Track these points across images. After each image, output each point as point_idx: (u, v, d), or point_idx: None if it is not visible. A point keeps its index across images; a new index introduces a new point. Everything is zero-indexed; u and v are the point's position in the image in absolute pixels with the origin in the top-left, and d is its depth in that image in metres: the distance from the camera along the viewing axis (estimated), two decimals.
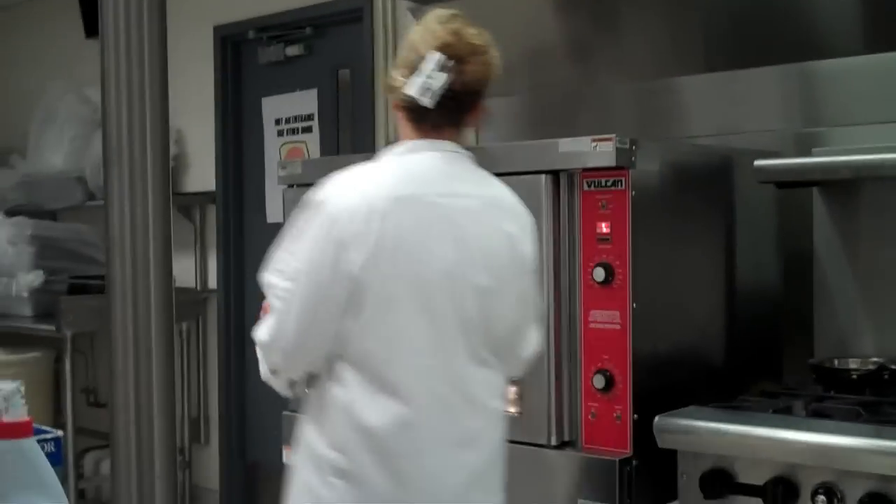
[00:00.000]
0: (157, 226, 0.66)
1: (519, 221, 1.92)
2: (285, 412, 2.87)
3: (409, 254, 1.76)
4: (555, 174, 2.33)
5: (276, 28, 4.65)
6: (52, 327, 4.56)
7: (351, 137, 4.36)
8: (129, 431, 0.65)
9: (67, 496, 1.19)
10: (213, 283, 5.00)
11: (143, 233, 0.66)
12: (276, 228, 2.96)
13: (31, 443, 1.13)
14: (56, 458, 1.26)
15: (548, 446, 2.33)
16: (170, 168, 0.70)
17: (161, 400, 0.65)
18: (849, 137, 2.78)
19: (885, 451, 1.96)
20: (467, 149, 1.94)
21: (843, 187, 2.77)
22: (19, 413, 1.11)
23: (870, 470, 1.98)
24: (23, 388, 1.08)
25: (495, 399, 1.89)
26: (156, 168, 0.67)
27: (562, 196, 2.33)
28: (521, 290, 1.92)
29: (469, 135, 2.05)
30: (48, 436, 1.29)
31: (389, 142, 4.12)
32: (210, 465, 5.05)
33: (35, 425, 1.20)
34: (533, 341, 2.00)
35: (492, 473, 1.89)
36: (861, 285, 2.76)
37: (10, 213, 5.22)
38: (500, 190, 1.94)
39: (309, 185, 2.88)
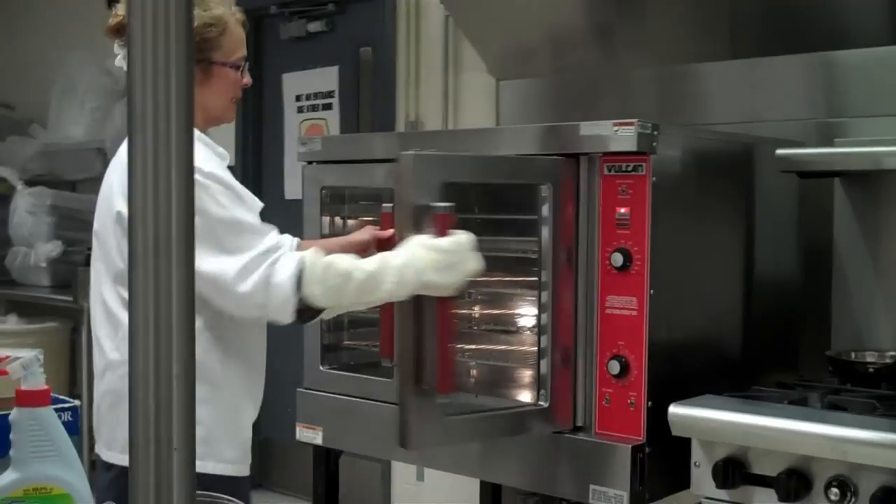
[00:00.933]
0: (180, 196, 0.66)
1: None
2: (299, 389, 2.88)
3: None
4: (575, 157, 2.32)
5: (299, 3, 4.64)
6: (70, 298, 4.59)
7: (371, 116, 4.35)
8: (147, 403, 0.65)
9: (82, 466, 1.20)
10: None
11: (165, 204, 0.65)
12: (295, 204, 2.96)
13: (48, 411, 1.14)
14: (73, 428, 1.26)
15: (561, 431, 2.33)
16: (192, 140, 0.70)
17: (181, 371, 0.65)
18: (872, 129, 2.76)
19: None
20: None
21: (865, 179, 2.75)
22: (38, 382, 1.11)
23: (884, 464, 1.97)
24: (41, 357, 1.08)
25: None
26: (180, 139, 0.67)
27: (581, 180, 2.31)
28: None
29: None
30: (66, 405, 1.29)
31: (409, 121, 4.12)
32: None
33: (52, 394, 1.20)
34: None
35: None
36: (880, 278, 2.74)
37: (30, 182, 5.24)
38: None
39: (329, 161, 2.89)
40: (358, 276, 1.99)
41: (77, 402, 1.32)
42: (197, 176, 1.90)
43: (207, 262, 1.94)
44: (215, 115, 2.26)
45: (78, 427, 1.30)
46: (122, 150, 2.14)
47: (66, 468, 1.13)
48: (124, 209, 2.03)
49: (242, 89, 2.27)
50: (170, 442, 0.64)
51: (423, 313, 2.07)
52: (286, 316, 2.01)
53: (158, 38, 0.68)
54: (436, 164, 2.16)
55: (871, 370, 2.53)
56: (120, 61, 2.15)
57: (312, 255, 2.00)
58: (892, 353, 2.60)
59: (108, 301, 2.13)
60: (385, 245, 2.19)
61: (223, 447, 2.12)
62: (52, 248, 4.85)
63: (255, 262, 1.99)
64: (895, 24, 2.80)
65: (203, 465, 1.97)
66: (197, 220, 1.79)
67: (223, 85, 2.20)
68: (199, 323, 1.99)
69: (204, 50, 2.13)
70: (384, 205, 2.45)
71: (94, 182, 5.20)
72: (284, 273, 1.97)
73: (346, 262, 2.01)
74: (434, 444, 2.26)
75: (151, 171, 0.66)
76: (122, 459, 2.06)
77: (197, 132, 2.06)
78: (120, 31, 2.17)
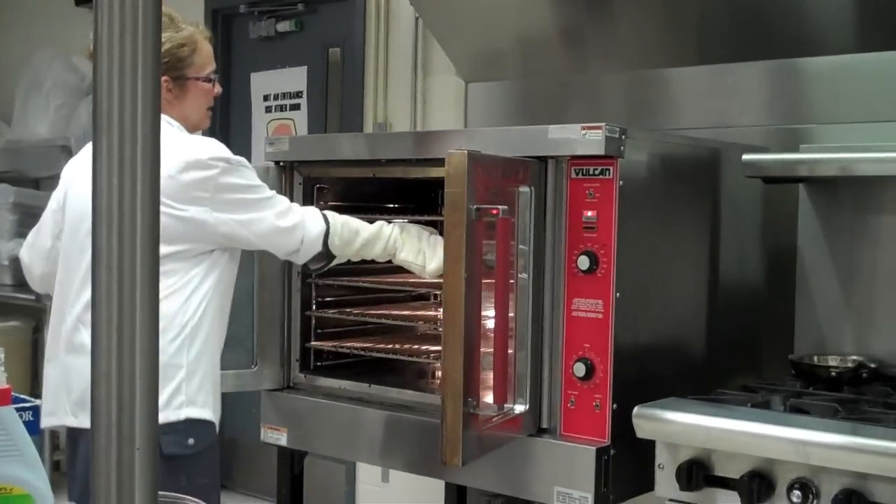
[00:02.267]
0: (146, 195, 0.65)
1: None
2: (264, 390, 2.87)
3: None
4: (543, 160, 2.32)
5: (268, 3, 4.62)
6: (32, 296, 4.54)
7: (339, 117, 4.34)
8: (110, 403, 0.64)
9: (43, 466, 1.18)
10: None
11: (130, 202, 0.65)
12: None
13: (9, 411, 1.12)
14: (33, 428, 1.25)
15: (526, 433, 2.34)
16: (159, 138, 0.69)
17: (143, 371, 0.64)
18: (837, 135, 2.79)
19: (862, 448, 1.97)
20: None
21: (829, 185, 2.77)
22: None
23: (846, 467, 1.99)
24: (2, 356, 1.07)
25: None
26: (146, 137, 0.66)
27: (549, 183, 2.32)
28: None
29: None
30: (26, 405, 1.28)
31: (378, 122, 4.11)
32: None
33: (14, 394, 1.19)
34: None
35: None
36: (843, 283, 2.77)
37: None
38: None
39: (295, 161, 2.88)
40: (363, 235, 2.49)
41: (38, 402, 1.31)
42: (226, 160, 2.35)
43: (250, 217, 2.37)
44: (194, 124, 2.54)
45: (38, 427, 1.29)
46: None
47: (26, 468, 1.12)
48: None
49: (214, 97, 2.56)
50: (132, 442, 0.64)
51: (472, 327, 2.07)
52: (306, 258, 2.48)
53: (126, 38, 0.68)
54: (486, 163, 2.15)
55: (833, 374, 2.55)
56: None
57: (330, 213, 2.50)
58: (854, 358, 2.63)
59: None
60: None
61: (211, 398, 2.44)
62: (15, 247, 4.79)
63: (291, 211, 2.44)
64: (861, 32, 2.84)
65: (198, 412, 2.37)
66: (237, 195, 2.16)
67: (198, 97, 2.50)
68: (208, 285, 2.38)
69: (179, 68, 2.42)
70: None
71: (58, 179, 5.16)
72: (314, 224, 2.44)
73: (355, 221, 2.51)
74: (476, 457, 2.19)
75: (116, 170, 0.66)
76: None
77: (194, 136, 2.51)
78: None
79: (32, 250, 2.64)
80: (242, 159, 2.42)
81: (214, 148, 2.40)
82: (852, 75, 2.81)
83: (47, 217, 2.60)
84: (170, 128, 2.43)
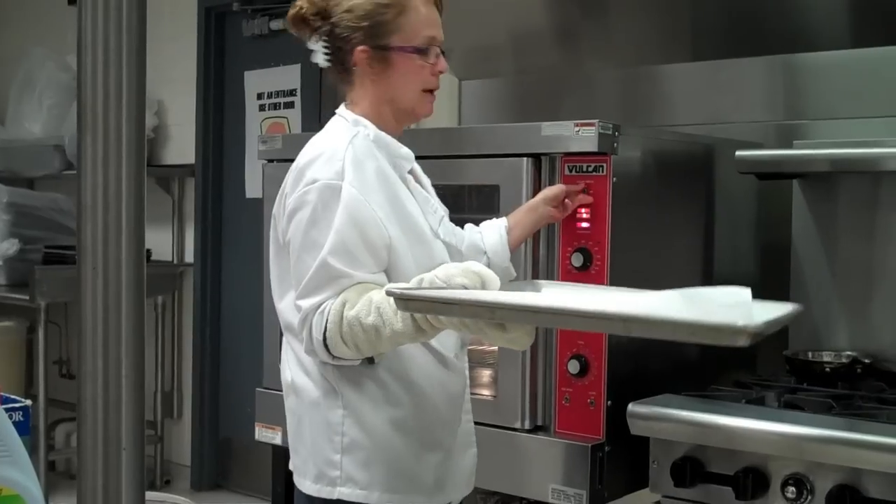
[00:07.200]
0: (131, 194, 0.64)
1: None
2: (259, 389, 2.86)
3: None
4: (536, 158, 2.32)
5: (262, 1, 4.61)
6: (26, 297, 4.53)
7: (333, 115, 4.33)
8: (96, 402, 0.64)
9: (37, 467, 1.18)
10: (189, 256, 4.97)
11: (115, 200, 0.64)
12: (255, 203, 2.93)
13: None
14: (24, 428, 1.24)
15: (521, 430, 2.33)
16: (144, 136, 0.69)
17: (130, 370, 0.64)
18: (831, 131, 2.79)
19: (856, 443, 1.97)
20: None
21: (823, 180, 2.77)
22: None
23: (840, 462, 1.99)
24: None
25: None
26: (130, 136, 0.66)
27: (543, 180, 2.32)
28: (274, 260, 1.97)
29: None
30: (17, 405, 1.27)
31: None
32: (182, 439, 5.03)
33: (4, 394, 1.18)
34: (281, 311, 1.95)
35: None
36: (837, 279, 2.77)
37: None
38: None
39: (289, 160, 2.86)
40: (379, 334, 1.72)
41: (28, 402, 1.30)
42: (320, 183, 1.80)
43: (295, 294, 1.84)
44: (404, 108, 1.95)
45: (29, 427, 1.28)
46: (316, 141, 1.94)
47: (16, 469, 1.11)
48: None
49: (435, 77, 1.95)
50: (118, 442, 0.64)
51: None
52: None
53: (110, 30, 0.67)
54: None
55: (827, 370, 2.55)
56: (318, 58, 1.97)
57: (334, 317, 1.74)
58: (849, 354, 2.62)
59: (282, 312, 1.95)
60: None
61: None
62: (9, 247, 4.78)
63: (308, 315, 1.80)
64: (855, 27, 2.83)
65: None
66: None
67: (405, 73, 1.91)
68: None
69: (379, 35, 1.88)
70: None
71: (52, 179, 5.16)
72: (317, 338, 1.78)
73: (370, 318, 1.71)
74: None
75: (101, 167, 0.65)
76: (311, 489, 1.91)
77: (370, 129, 1.91)
78: (305, 21, 1.95)
79: None
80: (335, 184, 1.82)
81: (323, 161, 1.85)
82: (846, 71, 2.81)
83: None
84: (333, 122, 1.99)
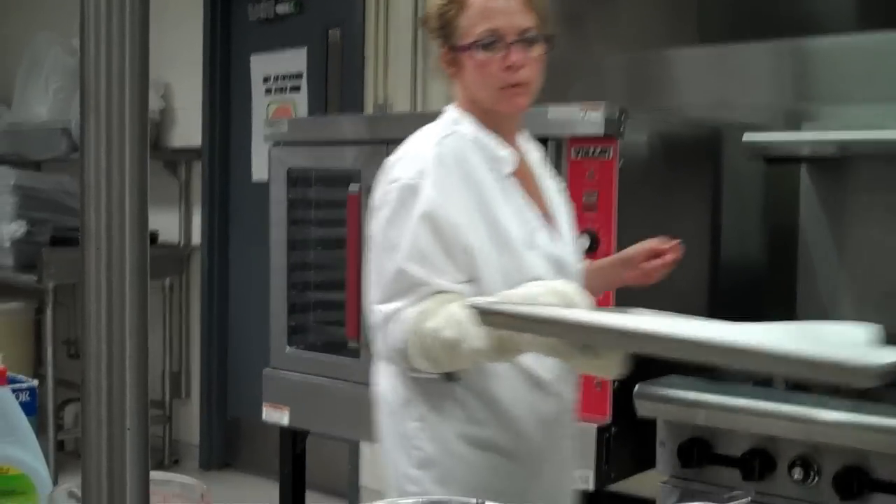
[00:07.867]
0: (134, 175, 0.64)
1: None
2: (266, 369, 2.87)
3: None
4: (543, 141, 2.31)
5: None
6: (34, 278, 4.55)
7: (339, 98, 4.33)
8: (100, 383, 0.64)
9: (46, 448, 1.19)
10: (196, 239, 4.99)
11: (118, 182, 0.64)
12: (261, 186, 2.93)
13: (5, 391, 1.13)
14: (31, 408, 1.25)
15: None
16: (147, 118, 0.69)
17: (134, 351, 0.64)
18: (839, 115, 2.78)
19: (863, 425, 1.97)
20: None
21: (831, 164, 2.76)
22: None
23: (847, 444, 1.99)
24: None
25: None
26: (133, 117, 0.66)
27: (549, 163, 2.31)
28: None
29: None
30: (23, 385, 1.28)
31: (378, 103, 4.10)
32: (190, 419, 5.06)
33: (10, 374, 1.19)
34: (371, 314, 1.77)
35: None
36: (845, 263, 2.77)
37: None
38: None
39: (295, 143, 2.87)
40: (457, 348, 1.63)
41: (35, 382, 1.31)
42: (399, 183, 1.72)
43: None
44: (484, 108, 1.82)
45: (36, 407, 1.29)
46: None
47: (23, 449, 1.12)
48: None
49: (510, 71, 1.78)
50: (123, 422, 0.64)
51: None
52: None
53: (112, 11, 0.67)
54: None
55: None
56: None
57: (411, 327, 1.65)
58: None
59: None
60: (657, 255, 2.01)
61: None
62: (16, 229, 4.79)
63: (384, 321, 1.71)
64: (862, 11, 2.82)
65: None
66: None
67: (472, 71, 1.79)
68: None
69: (448, 35, 1.80)
70: (351, 185, 2.43)
71: (59, 162, 5.17)
72: (392, 346, 1.71)
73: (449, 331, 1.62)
74: None
75: (105, 148, 0.65)
76: None
77: (469, 129, 1.80)
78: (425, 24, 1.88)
79: None
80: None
81: (408, 160, 1.78)
82: (854, 55, 2.80)
83: None
84: (437, 120, 1.87)
